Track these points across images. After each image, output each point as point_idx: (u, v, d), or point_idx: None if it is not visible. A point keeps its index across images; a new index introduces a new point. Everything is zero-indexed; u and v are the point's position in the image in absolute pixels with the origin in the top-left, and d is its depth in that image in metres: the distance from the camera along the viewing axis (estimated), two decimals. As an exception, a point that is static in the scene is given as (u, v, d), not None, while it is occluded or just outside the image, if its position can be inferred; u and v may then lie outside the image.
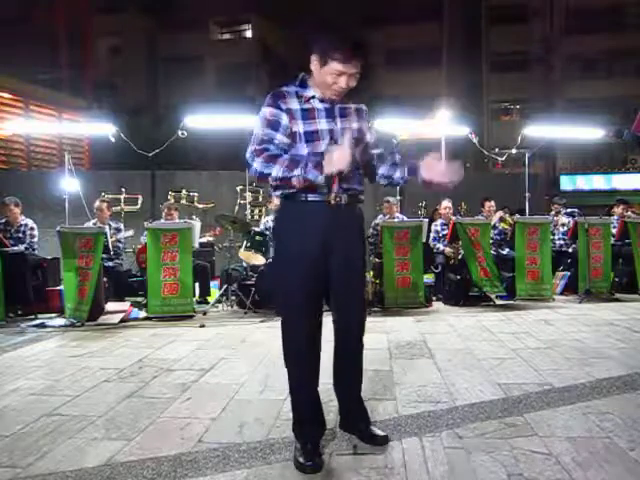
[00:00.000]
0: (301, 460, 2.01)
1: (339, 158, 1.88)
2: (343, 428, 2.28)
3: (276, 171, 1.95)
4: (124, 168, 10.48)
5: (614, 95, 22.81)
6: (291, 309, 2.11)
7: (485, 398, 2.72)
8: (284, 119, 2.02)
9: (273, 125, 2.01)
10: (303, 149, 2.03)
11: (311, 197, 2.04)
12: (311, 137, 2.03)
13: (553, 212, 7.60)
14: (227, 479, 1.94)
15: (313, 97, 2.07)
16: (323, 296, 2.14)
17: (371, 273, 6.21)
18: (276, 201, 6.56)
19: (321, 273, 2.09)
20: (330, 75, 1.99)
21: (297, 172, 1.92)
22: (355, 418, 2.24)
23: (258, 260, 5.87)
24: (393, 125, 7.84)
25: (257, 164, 1.99)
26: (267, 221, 6.61)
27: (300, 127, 2.02)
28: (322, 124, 2.05)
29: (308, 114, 2.04)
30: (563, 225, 7.40)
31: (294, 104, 2.04)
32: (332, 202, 2.05)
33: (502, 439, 2.22)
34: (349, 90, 2.07)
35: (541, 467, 1.97)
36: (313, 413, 2.14)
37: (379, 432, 2.21)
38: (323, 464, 2.03)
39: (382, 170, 2.24)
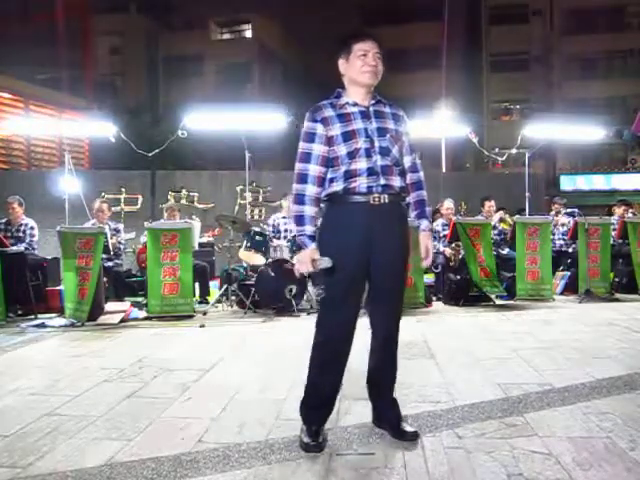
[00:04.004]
0: (305, 440, 2.15)
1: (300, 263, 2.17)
2: (375, 423, 2.33)
3: (292, 210, 2.21)
4: (124, 168, 10.47)
5: (614, 95, 22.83)
6: (329, 299, 2.20)
7: (485, 398, 2.72)
8: (319, 129, 2.17)
9: (310, 137, 2.18)
10: (341, 149, 2.15)
11: (353, 199, 2.17)
12: (348, 136, 2.16)
13: (553, 212, 7.60)
14: (227, 479, 1.94)
15: (347, 103, 2.22)
16: (361, 293, 2.22)
17: None
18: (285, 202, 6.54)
19: (363, 272, 2.17)
20: (357, 59, 2.18)
21: (296, 229, 2.19)
22: (387, 415, 2.28)
23: (258, 260, 5.88)
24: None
25: (292, 188, 2.20)
26: (277, 217, 6.50)
27: (337, 130, 2.16)
28: (358, 124, 2.18)
29: (344, 117, 2.19)
30: (563, 225, 7.40)
31: (329, 112, 2.20)
32: (372, 202, 2.15)
33: (502, 439, 2.21)
34: (381, 95, 2.27)
35: (541, 467, 1.96)
36: (328, 401, 2.23)
37: (409, 428, 2.25)
38: (326, 444, 2.15)
39: (412, 207, 2.34)
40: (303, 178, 2.16)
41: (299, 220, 2.16)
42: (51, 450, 2.19)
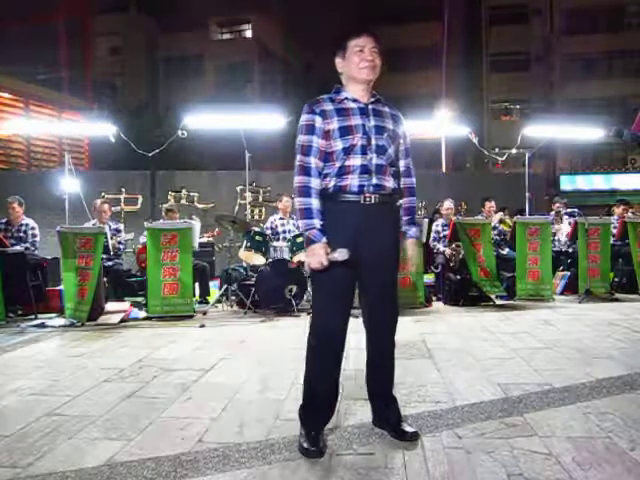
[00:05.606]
0: (305, 445, 2.11)
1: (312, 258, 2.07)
2: (375, 424, 2.33)
3: (298, 203, 2.12)
4: (124, 168, 10.47)
5: (614, 95, 22.82)
6: (324, 300, 2.18)
7: (485, 398, 2.72)
8: (318, 121, 2.14)
9: (309, 130, 2.14)
10: (338, 144, 2.12)
11: (344, 197, 2.14)
12: (345, 132, 2.13)
13: (554, 212, 7.60)
14: (227, 479, 1.94)
15: (346, 98, 2.20)
16: (353, 293, 2.20)
17: None
18: (285, 201, 6.56)
19: (352, 270, 2.14)
20: (354, 55, 2.16)
21: (303, 223, 2.10)
22: (387, 414, 2.28)
23: (258, 260, 5.88)
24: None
25: (295, 181, 2.14)
26: (274, 220, 6.53)
27: (335, 124, 2.13)
28: (356, 120, 2.15)
29: (343, 112, 2.16)
30: (563, 234, 7.37)
31: (328, 106, 2.17)
32: (363, 202, 2.13)
33: (502, 439, 2.21)
34: (379, 91, 2.23)
35: (541, 467, 1.96)
36: (327, 402, 2.21)
37: (409, 429, 2.25)
38: (326, 450, 2.11)
39: (402, 212, 2.31)
40: (307, 170, 2.11)
41: (307, 213, 2.09)
42: (51, 450, 2.19)
